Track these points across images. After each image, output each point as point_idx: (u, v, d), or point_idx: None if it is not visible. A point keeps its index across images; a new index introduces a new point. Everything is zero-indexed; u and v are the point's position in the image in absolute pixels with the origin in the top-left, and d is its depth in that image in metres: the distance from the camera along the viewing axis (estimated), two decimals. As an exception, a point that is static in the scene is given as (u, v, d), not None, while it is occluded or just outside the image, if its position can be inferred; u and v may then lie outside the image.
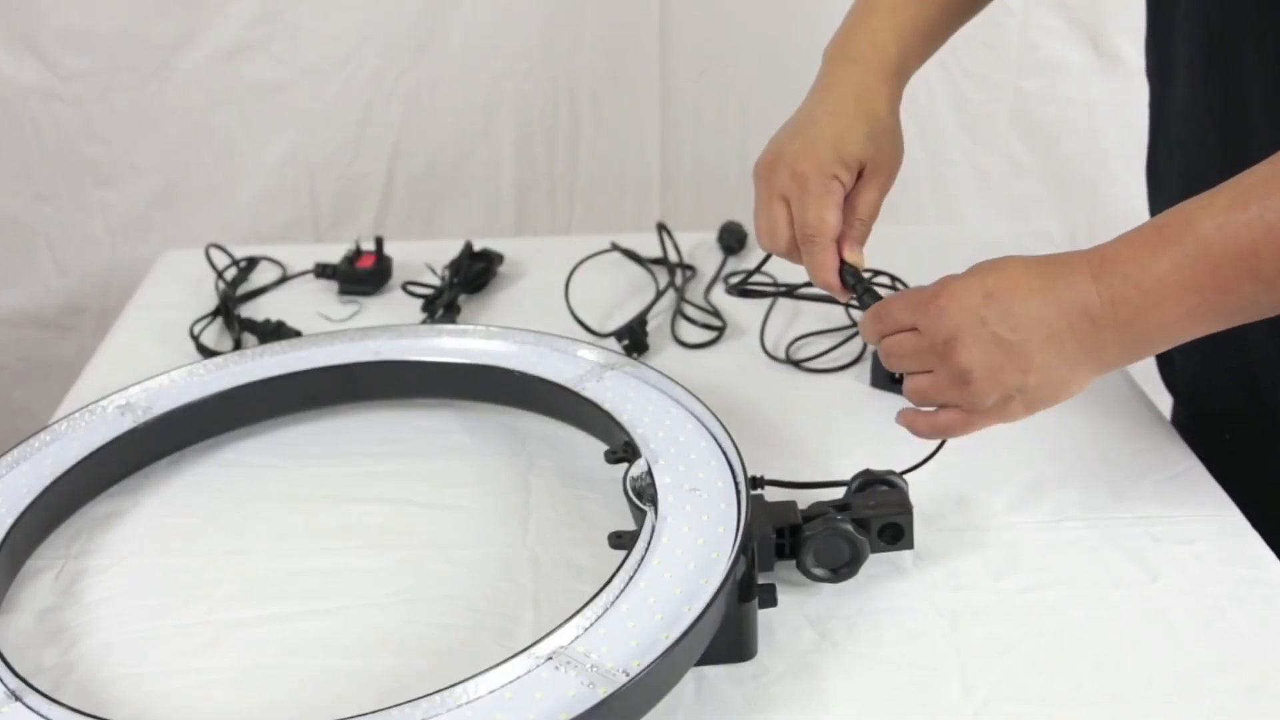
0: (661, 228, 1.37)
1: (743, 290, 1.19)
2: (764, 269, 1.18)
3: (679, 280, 1.31)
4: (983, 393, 0.78)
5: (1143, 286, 0.75)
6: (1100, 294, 0.75)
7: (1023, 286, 0.77)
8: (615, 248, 1.37)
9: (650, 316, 1.23)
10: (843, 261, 0.91)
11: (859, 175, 0.92)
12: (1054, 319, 0.76)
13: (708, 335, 1.22)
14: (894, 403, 1.09)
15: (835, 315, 1.21)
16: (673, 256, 1.34)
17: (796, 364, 1.15)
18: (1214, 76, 0.97)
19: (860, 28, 0.97)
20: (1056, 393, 0.79)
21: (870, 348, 1.15)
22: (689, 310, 1.26)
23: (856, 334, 1.17)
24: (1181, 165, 1.04)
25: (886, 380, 1.10)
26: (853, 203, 0.92)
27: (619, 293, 1.30)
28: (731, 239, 1.38)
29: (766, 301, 1.24)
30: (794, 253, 0.93)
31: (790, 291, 1.19)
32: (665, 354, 1.19)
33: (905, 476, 0.91)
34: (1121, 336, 0.76)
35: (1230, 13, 0.93)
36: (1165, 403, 1.14)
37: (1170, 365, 1.14)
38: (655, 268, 1.34)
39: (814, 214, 0.90)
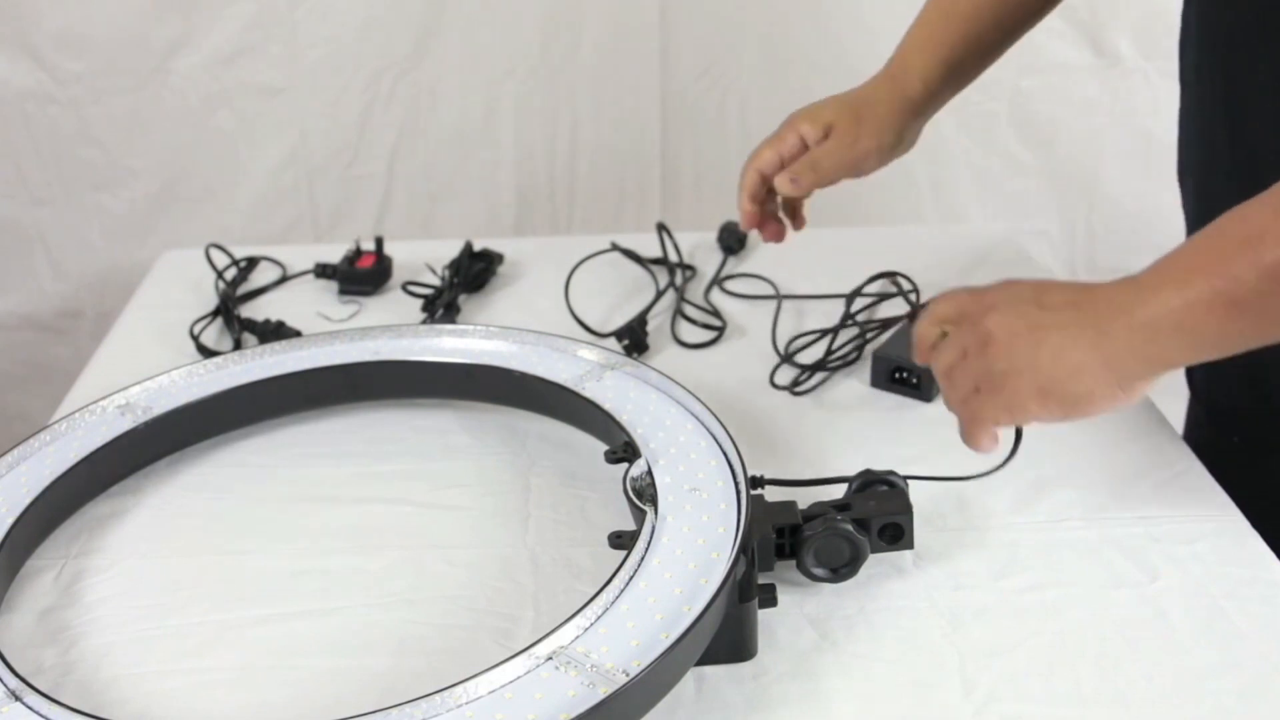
0: (661, 228, 1.37)
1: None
2: (763, 275, 1.19)
3: (679, 280, 1.31)
4: (996, 357, 0.79)
5: (1158, 270, 0.77)
6: (1120, 286, 0.79)
7: (1069, 283, 0.82)
8: (615, 248, 1.37)
9: (650, 316, 1.23)
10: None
11: (835, 140, 1.08)
12: (1083, 304, 0.79)
13: (708, 335, 1.22)
14: (894, 402, 1.09)
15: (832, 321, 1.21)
16: (673, 256, 1.34)
17: (796, 381, 1.13)
18: (1218, 78, 0.98)
19: (899, 51, 1.12)
20: (1069, 379, 0.78)
21: (868, 349, 1.14)
22: (689, 310, 1.26)
23: (852, 339, 1.17)
24: (1195, 168, 1.05)
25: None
26: (809, 154, 1.08)
27: (619, 293, 1.30)
28: (731, 239, 1.38)
29: (766, 303, 1.24)
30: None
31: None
32: (665, 354, 1.19)
33: (978, 478, 0.90)
34: (1130, 324, 0.77)
35: (1237, 16, 0.94)
36: (1163, 403, 1.14)
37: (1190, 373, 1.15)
38: (655, 268, 1.34)
39: (758, 148, 1.11)
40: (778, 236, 1.14)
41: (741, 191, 1.11)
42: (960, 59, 1.11)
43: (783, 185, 1.08)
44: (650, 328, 1.21)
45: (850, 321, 1.20)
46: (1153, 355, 0.77)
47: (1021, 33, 1.14)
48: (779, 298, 1.21)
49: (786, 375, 1.14)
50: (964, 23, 1.10)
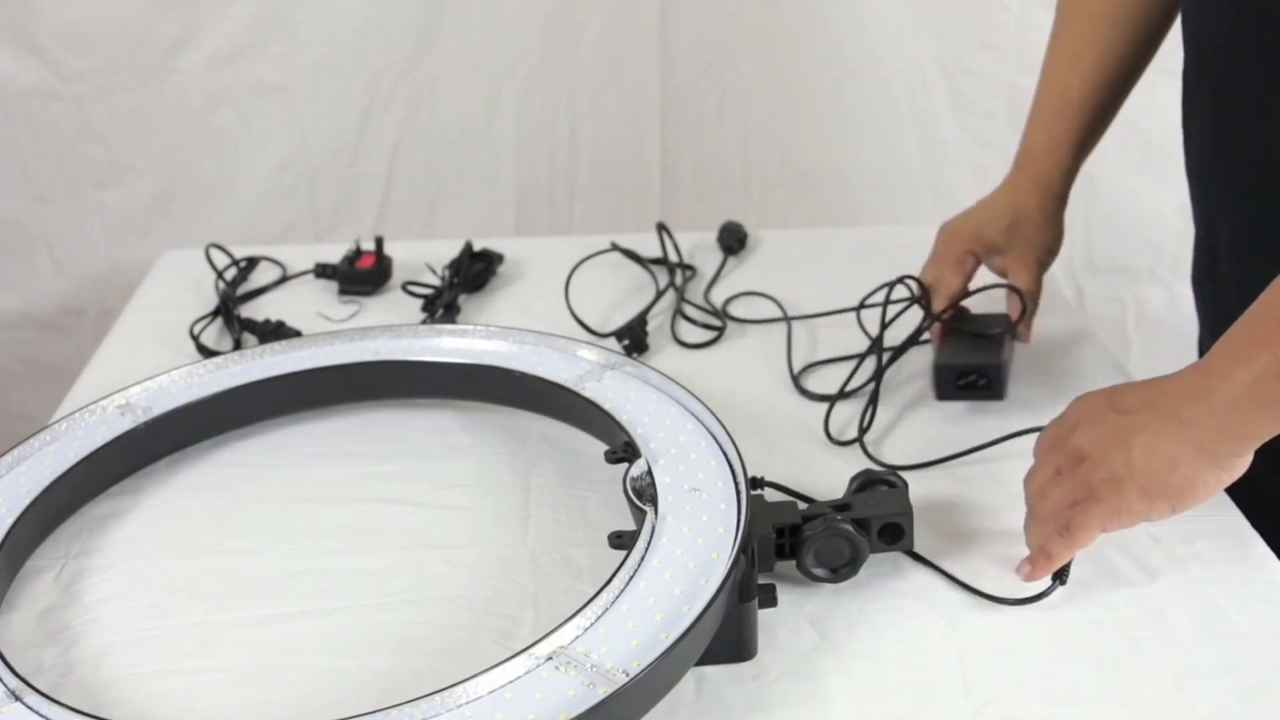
0: (661, 228, 1.37)
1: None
2: (769, 293, 1.18)
3: (679, 280, 1.31)
4: (1093, 468, 0.82)
5: (1219, 353, 0.80)
6: (1188, 374, 0.81)
7: (1137, 383, 0.84)
8: (615, 248, 1.37)
9: (650, 316, 1.23)
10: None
11: (1004, 256, 1.13)
12: (1159, 400, 0.81)
13: (708, 335, 1.22)
14: (892, 405, 1.09)
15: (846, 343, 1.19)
16: (673, 256, 1.34)
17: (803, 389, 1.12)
18: (1205, 83, 0.99)
19: (1026, 139, 1.16)
20: (1167, 473, 0.80)
21: (894, 366, 1.12)
22: (689, 310, 1.26)
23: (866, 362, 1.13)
24: (1187, 173, 1.06)
25: (953, 389, 1.08)
26: (1016, 281, 1.12)
27: (619, 293, 1.30)
28: (731, 239, 1.38)
29: (767, 302, 1.24)
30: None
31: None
32: (665, 354, 1.19)
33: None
34: (1211, 409, 0.79)
35: (1222, 22, 0.95)
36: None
37: None
38: (655, 268, 1.34)
39: (933, 273, 1.15)
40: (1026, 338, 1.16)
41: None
42: (1086, 142, 1.14)
43: (1027, 337, 1.13)
44: (650, 328, 1.21)
45: (871, 350, 1.13)
46: (1241, 432, 0.79)
47: (1131, 89, 1.15)
48: (787, 319, 1.19)
49: (787, 375, 1.14)
50: (1081, 112, 1.12)
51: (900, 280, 1.13)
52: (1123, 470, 0.81)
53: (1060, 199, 1.14)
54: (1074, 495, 0.82)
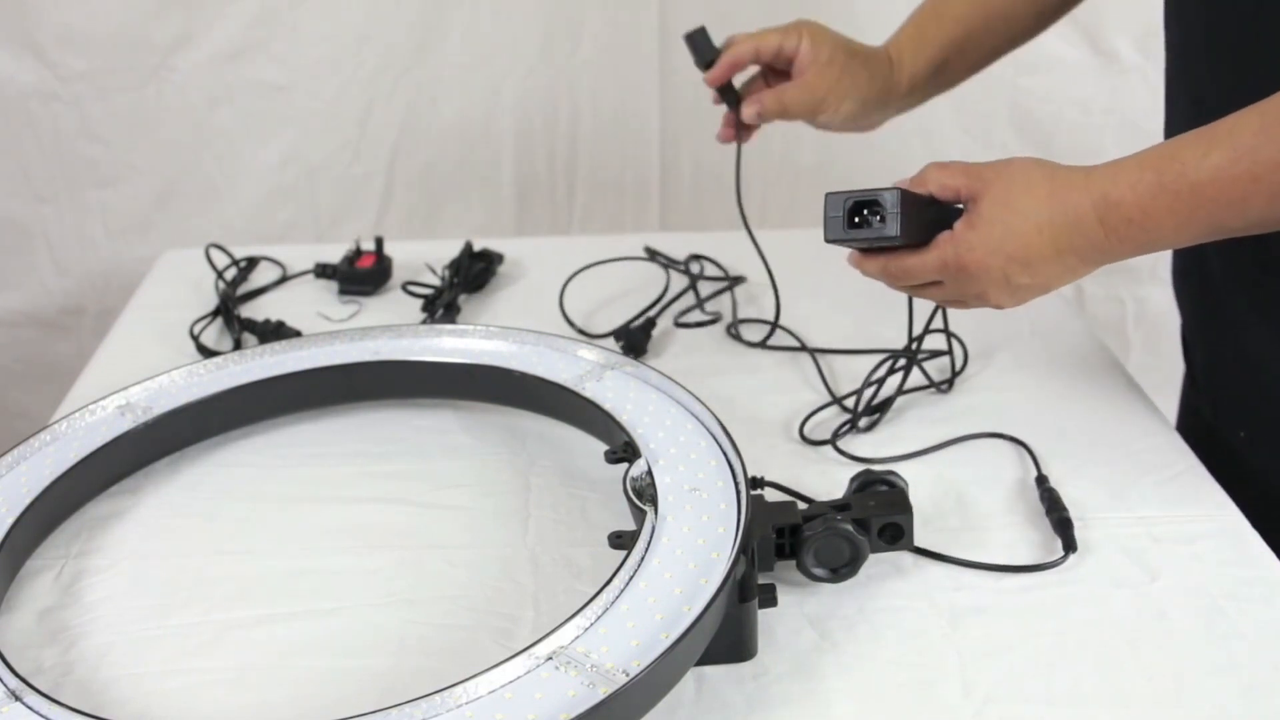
0: (651, 251, 1.36)
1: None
2: (782, 324, 1.20)
3: (681, 284, 1.31)
4: (976, 299, 0.91)
5: (1145, 227, 0.85)
6: (1107, 235, 0.86)
7: (1036, 243, 0.87)
8: (650, 253, 1.34)
9: (650, 317, 1.23)
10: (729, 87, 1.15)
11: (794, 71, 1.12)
12: (1068, 260, 0.87)
13: (708, 334, 1.22)
14: (898, 408, 1.09)
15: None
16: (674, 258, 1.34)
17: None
18: (1185, 82, 1.00)
19: (895, 34, 1.17)
20: (1039, 292, 0.91)
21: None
22: (692, 311, 1.26)
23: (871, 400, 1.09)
24: None
25: (846, 226, 0.90)
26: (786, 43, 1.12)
27: (619, 293, 1.30)
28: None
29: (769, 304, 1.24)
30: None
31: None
32: (665, 354, 1.19)
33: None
34: (1127, 254, 0.87)
35: (1198, 21, 0.96)
36: (1164, 403, 1.14)
37: (1192, 365, 1.15)
38: (656, 267, 1.34)
39: (747, 35, 1.15)
40: (728, 138, 1.19)
41: (717, 66, 1.15)
42: (947, 60, 1.15)
43: (749, 114, 1.14)
44: (657, 331, 1.21)
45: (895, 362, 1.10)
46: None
47: (1010, 47, 1.17)
48: (811, 351, 1.18)
49: (788, 376, 1.14)
50: (955, 25, 1.14)
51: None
52: (1007, 301, 0.90)
53: (893, 96, 1.15)
54: (941, 297, 0.94)
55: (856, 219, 0.90)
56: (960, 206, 0.91)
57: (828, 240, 0.91)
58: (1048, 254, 0.87)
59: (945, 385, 1.11)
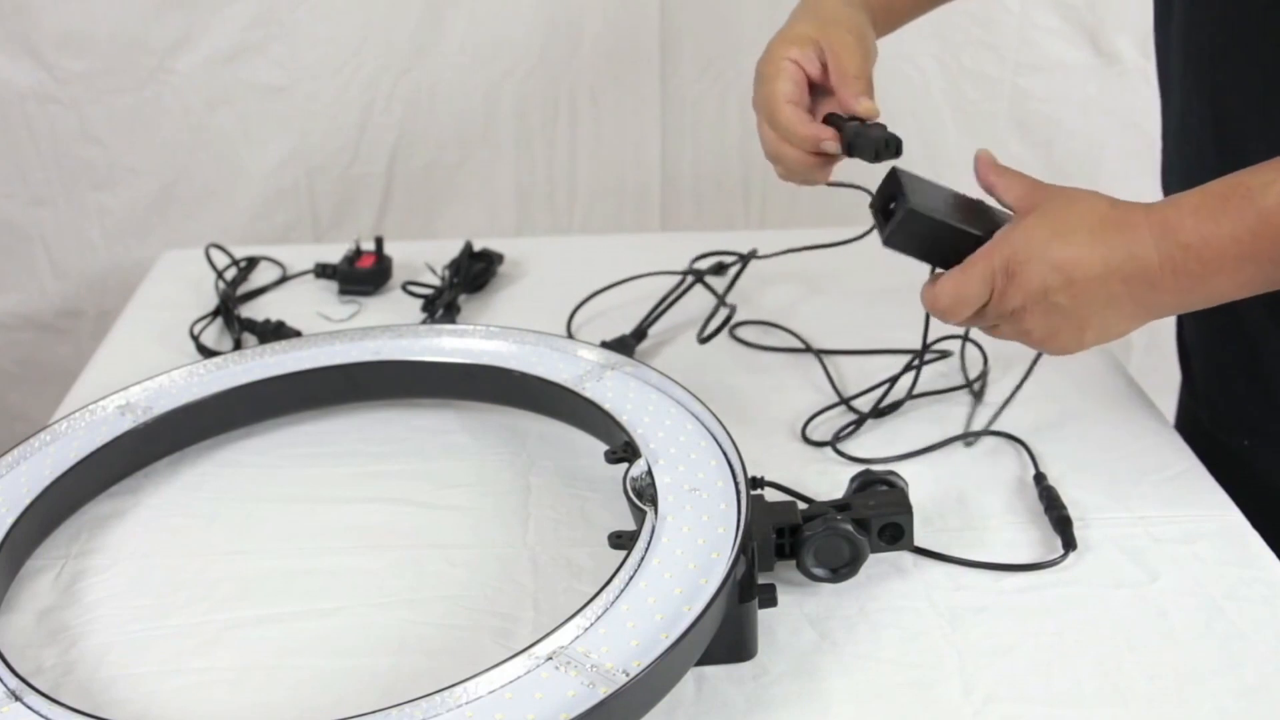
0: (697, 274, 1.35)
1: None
2: (785, 326, 1.18)
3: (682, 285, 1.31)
4: (1039, 345, 0.86)
5: (1203, 259, 0.79)
6: (1161, 264, 0.80)
7: (1086, 259, 0.81)
8: (695, 275, 1.29)
9: (651, 317, 1.23)
10: (832, 116, 0.94)
11: (823, 51, 0.95)
12: (1114, 287, 0.81)
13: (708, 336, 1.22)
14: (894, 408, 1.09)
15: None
16: (674, 265, 1.34)
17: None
18: (1204, 90, 0.98)
19: None
20: (1107, 339, 0.85)
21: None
22: (693, 311, 1.26)
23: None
24: (1180, 177, 1.05)
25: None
26: (839, 68, 0.94)
27: (620, 293, 1.30)
28: None
29: (771, 303, 1.24)
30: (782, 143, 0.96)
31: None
32: (665, 354, 1.19)
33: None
34: (1177, 301, 0.82)
35: (1219, 29, 0.95)
36: (1164, 403, 1.14)
37: (1190, 374, 1.15)
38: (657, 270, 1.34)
39: (761, 94, 0.95)
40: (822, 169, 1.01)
41: (790, 135, 0.94)
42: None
43: (871, 108, 0.93)
44: (650, 328, 1.21)
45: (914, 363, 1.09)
46: (1193, 309, 0.85)
47: None
48: (815, 351, 1.17)
49: (788, 376, 1.13)
50: None
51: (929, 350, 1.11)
52: (1072, 344, 0.85)
53: (855, 11, 1.00)
54: (1007, 336, 0.87)
55: (883, 213, 0.92)
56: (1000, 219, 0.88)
57: (884, 245, 0.92)
58: (1095, 272, 0.80)
59: (978, 385, 1.10)
